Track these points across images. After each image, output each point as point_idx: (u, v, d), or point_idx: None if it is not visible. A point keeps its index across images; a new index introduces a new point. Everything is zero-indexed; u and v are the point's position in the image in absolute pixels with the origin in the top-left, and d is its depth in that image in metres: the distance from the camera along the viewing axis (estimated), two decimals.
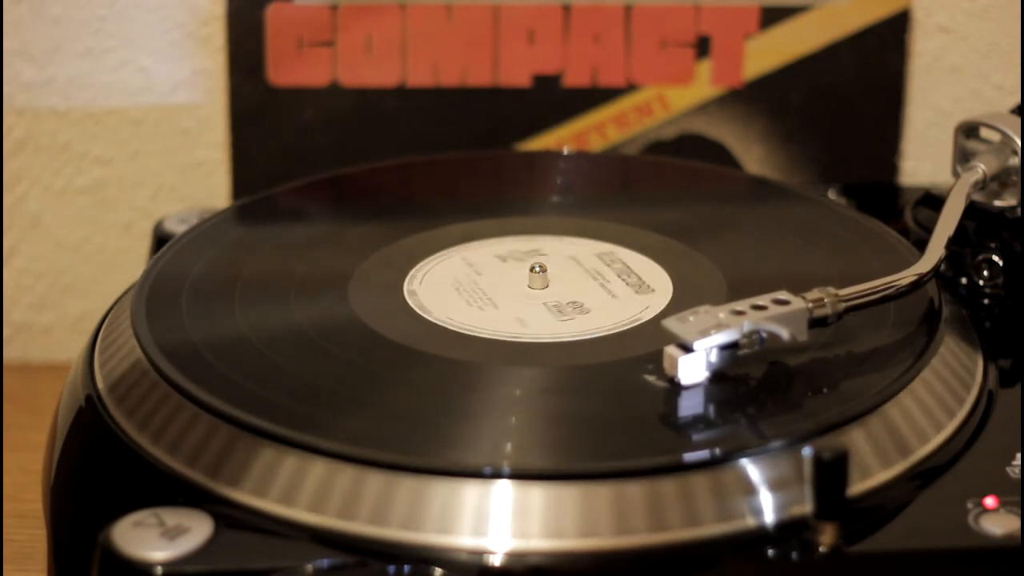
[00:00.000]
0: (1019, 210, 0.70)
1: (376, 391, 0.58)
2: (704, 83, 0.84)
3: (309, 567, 0.51)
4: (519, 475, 0.53)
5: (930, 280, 0.62)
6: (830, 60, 0.84)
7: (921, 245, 0.65)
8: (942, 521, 0.54)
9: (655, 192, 0.78)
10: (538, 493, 0.52)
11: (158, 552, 0.51)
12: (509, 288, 0.65)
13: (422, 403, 0.57)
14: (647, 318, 0.63)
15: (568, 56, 0.83)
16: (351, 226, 0.72)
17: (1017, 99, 0.78)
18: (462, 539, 0.52)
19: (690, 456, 0.53)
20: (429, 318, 0.63)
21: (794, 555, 0.52)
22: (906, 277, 0.62)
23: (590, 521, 0.52)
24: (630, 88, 0.84)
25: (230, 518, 0.53)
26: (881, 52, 0.84)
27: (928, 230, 0.66)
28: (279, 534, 0.53)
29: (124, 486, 0.56)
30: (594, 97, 0.84)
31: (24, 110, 0.84)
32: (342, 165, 0.80)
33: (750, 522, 0.53)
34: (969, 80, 0.85)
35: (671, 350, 0.57)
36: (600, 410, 0.57)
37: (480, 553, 0.52)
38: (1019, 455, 0.58)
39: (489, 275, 0.67)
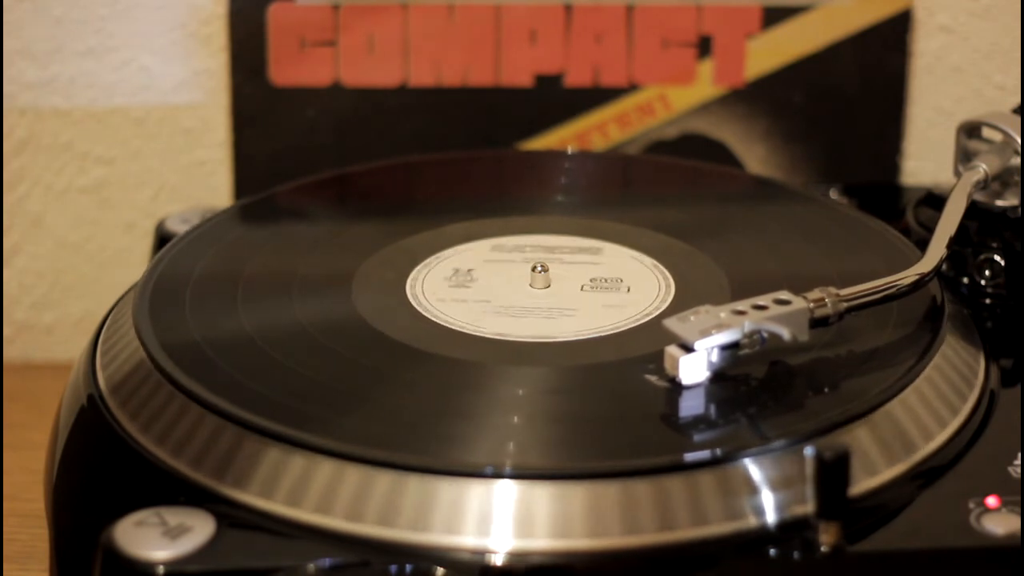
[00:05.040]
0: (1020, 210, 0.70)
1: (380, 391, 0.58)
2: (706, 83, 0.84)
3: (311, 566, 0.51)
4: (525, 475, 0.53)
5: (931, 280, 0.62)
6: (832, 60, 0.84)
7: (923, 245, 0.65)
8: (944, 521, 0.54)
9: (657, 192, 0.78)
10: (543, 492, 0.52)
11: (160, 551, 0.51)
12: (514, 288, 0.65)
13: (427, 403, 0.57)
14: (672, 283, 0.65)
15: (570, 56, 0.83)
16: (353, 225, 0.72)
17: (1018, 99, 0.78)
18: (469, 539, 0.52)
19: (691, 456, 0.53)
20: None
21: (796, 554, 0.52)
22: (907, 277, 0.62)
23: (595, 520, 0.52)
24: (632, 88, 0.84)
25: (232, 517, 0.53)
26: (883, 52, 0.84)
27: (930, 230, 0.66)
28: (281, 533, 0.53)
29: (126, 485, 0.56)
30: (596, 97, 0.84)
31: (26, 110, 0.84)
32: (344, 165, 0.80)
33: (752, 521, 0.53)
34: (971, 80, 0.85)
35: (672, 350, 0.57)
36: (601, 410, 0.57)
37: (486, 553, 0.52)
38: (1020, 455, 0.57)
39: (491, 276, 0.67)
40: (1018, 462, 0.57)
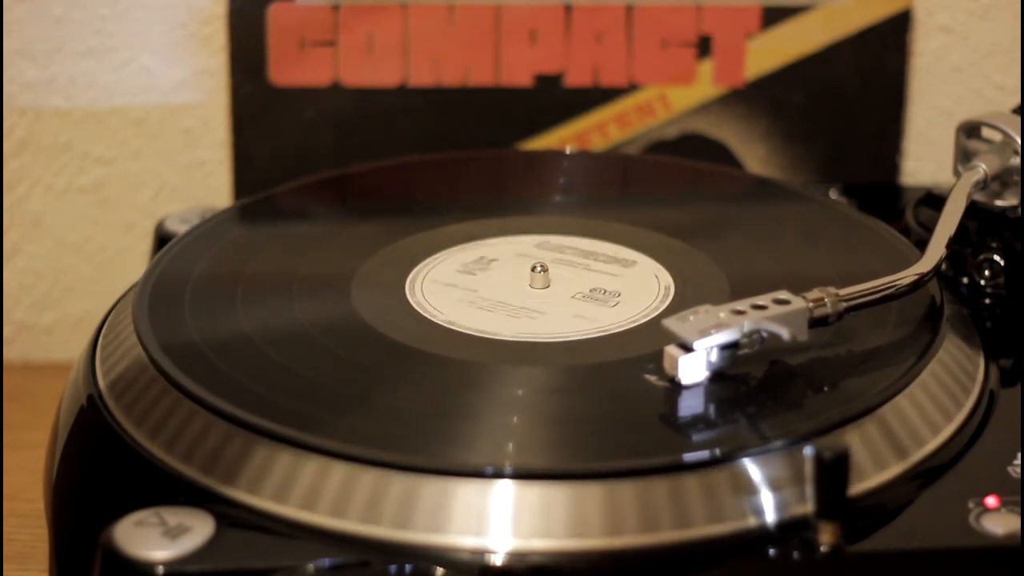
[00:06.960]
0: (1020, 210, 0.70)
1: (380, 391, 0.58)
2: (705, 83, 0.84)
3: (311, 566, 0.51)
4: (524, 474, 0.53)
5: (930, 280, 0.62)
6: (831, 60, 0.84)
7: (922, 245, 0.65)
8: (943, 521, 0.54)
9: (657, 192, 0.78)
10: (542, 492, 0.52)
11: (160, 551, 0.51)
12: (513, 288, 0.65)
13: (419, 402, 0.57)
14: (672, 286, 0.65)
15: (570, 56, 0.83)
16: (353, 225, 0.72)
17: (1018, 99, 0.78)
18: (457, 538, 0.52)
19: (690, 456, 0.53)
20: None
21: (795, 555, 0.52)
22: (906, 277, 0.62)
23: (592, 521, 0.52)
24: (632, 88, 0.84)
25: (232, 517, 0.53)
26: (882, 52, 0.84)
27: (930, 230, 0.66)
28: (281, 533, 0.53)
29: (125, 485, 0.56)
30: (596, 97, 0.84)
31: (26, 110, 0.84)
32: (343, 165, 0.80)
33: (751, 522, 0.53)
34: (970, 80, 0.85)
35: (671, 350, 0.57)
36: (600, 410, 0.57)
37: (486, 553, 0.52)
38: (1020, 454, 0.58)
39: (490, 276, 0.67)
40: (1018, 462, 0.57)
